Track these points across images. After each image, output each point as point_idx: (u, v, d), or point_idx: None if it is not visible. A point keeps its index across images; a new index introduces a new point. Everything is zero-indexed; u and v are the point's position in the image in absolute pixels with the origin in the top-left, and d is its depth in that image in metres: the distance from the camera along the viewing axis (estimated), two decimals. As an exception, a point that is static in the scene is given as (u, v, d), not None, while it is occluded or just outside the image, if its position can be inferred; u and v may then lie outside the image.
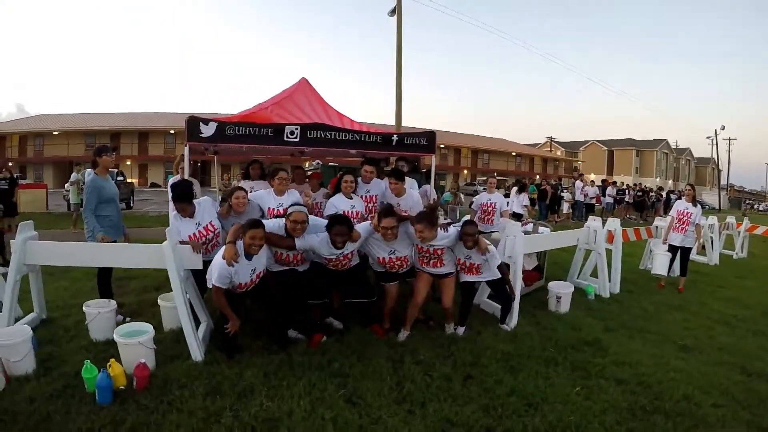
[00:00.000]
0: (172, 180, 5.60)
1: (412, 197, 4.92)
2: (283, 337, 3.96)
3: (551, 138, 67.01)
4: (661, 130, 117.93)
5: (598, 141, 67.44)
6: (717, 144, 47.38)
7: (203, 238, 4.03)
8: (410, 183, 5.30)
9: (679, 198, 9.46)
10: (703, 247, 9.88)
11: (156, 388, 3.18)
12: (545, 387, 3.48)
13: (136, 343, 3.36)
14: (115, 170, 18.04)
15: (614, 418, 3.12)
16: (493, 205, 6.58)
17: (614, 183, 22.77)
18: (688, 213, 6.95)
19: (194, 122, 4.39)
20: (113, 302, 4.23)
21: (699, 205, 7.16)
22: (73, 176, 12.12)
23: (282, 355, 3.74)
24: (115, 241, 4.43)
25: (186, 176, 5.08)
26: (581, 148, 68.50)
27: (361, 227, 4.06)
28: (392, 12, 16.23)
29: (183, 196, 4.03)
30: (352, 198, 4.75)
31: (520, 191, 12.74)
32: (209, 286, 3.64)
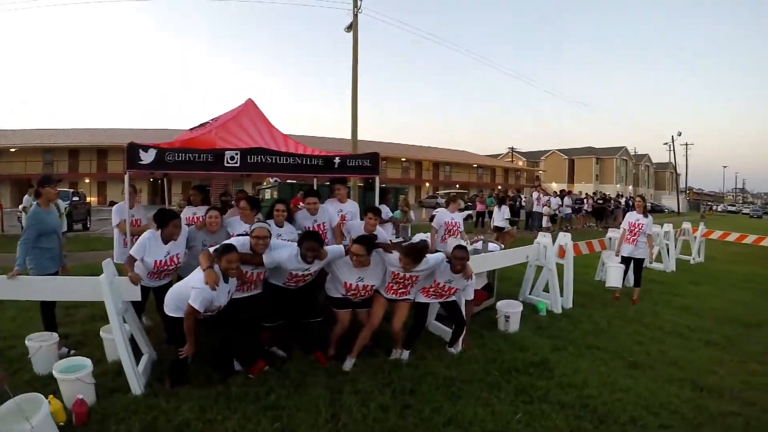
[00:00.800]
0: (116, 207, 5.63)
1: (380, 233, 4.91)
2: (228, 367, 3.94)
3: (512, 148, 68.18)
4: (621, 138, 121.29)
5: (558, 150, 69.08)
6: (674, 149, 49.20)
7: (164, 267, 4.14)
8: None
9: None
10: (658, 254, 9.99)
11: (95, 423, 3.19)
12: (485, 414, 3.33)
13: (74, 379, 3.37)
14: (72, 190, 17.36)
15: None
16: (457, 224, 6.39)
17: (570, 192, 23.07)
18: (639, 224, 6.96)
19: (134, 149, 4.35)
20: (55, 335, 4.20)
21: (650, 216, 7.18)
22: (26, 199, 11.90)
23: (220, 387, 3.68)
24: (55, 273, 4.36)
25: (126, 203, 4.98)
26: (542, 158, 70.10)
27: (332, 249, 4.08)
28: (348, 28, 16.30)
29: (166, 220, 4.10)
30: (283, 226, 4.71)
31: (500, 204, 12.63)
32: (169, 312, 3.66)
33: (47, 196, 4.38)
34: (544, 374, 4.10)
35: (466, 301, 4.52)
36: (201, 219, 4.87)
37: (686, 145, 53.24)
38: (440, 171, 50.92)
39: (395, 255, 4.04)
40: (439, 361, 4.30)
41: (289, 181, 12.35)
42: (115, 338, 3.67)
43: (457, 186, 45.55)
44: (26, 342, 4.01)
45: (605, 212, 22.31)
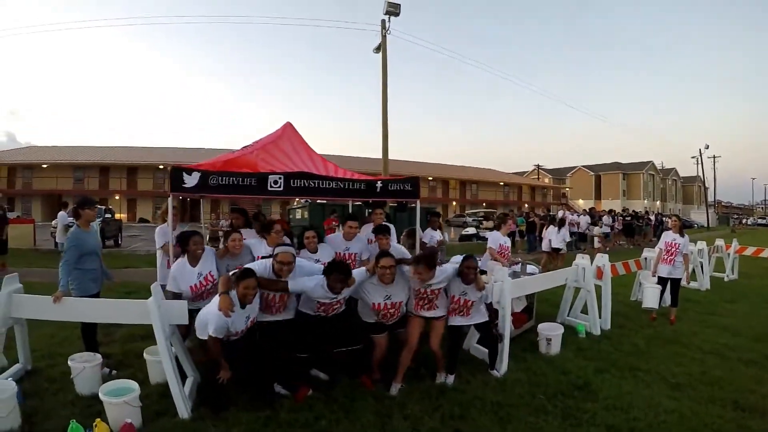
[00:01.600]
0: (159, 229, 5.68)
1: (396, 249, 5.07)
2: (270, 393, 3.97)
3: (538, 165, 67.99)
4: (647, 152, 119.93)
5: (584, 166, 68.66)
6: (702, 163, 48.49)
7: (203, 288, 4.21)
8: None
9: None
10: (692, 272, 10.00)
11: None
12: None
13: (121, 403, 3.40)
14: (103, 207, 17.95)
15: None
16: (508, 247, 6.73)
17: (610, 211, 22.86)
18: (675, 244, 7.09)
19: (178, 172, 4.44)
20: (98, 356, 4.25)
21: (686, 235, 7.30)
22: (61, 216, 12.25)
23: (268, 411, 3.74)
24: (97, 294, 4.53)
25: (170, 225, 5.10)
26: (568, 174, 69.63)
27: (356, 273, 4.13)
28: (377, 49, 16.58)
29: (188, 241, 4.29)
30: (316, 251, 4.84)
31: (560, 226, 12.49)
32: (199, 335, 3.73)
33: (87, 217, 4.51)
34: (588, 397, 4.28)
35: (486, 304, 4.75)
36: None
37: (714, 157, 52.46)
38: (467, 189, 51.12)
39: (408, 269, 4.20)
40: (485, 386, 4.46)
41: (319, 201, 12.61)
42: (164, 362, 3.74)
43: (484, 205, 45.59)
44: (69, 362, 4.06)
45: (633, 229, 22.16)
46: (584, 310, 6.68)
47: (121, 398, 3.42)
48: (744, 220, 62.98)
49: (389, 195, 5.66)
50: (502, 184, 54.69)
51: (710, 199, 53.16)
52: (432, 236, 7.23)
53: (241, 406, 3.83)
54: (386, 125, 16.29)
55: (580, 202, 57.15)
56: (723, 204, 73.97)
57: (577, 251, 14.09)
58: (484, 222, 28.46)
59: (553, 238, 12.26)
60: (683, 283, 7.50)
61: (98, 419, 3.23)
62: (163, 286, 4.29)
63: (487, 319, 4.61)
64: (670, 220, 7.78)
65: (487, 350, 4.99)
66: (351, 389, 4.24)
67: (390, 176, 12.58)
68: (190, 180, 4.43)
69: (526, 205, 47.83)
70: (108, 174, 37.49)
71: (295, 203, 18.28)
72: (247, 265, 3.95)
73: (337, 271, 3.89)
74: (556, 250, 12.17)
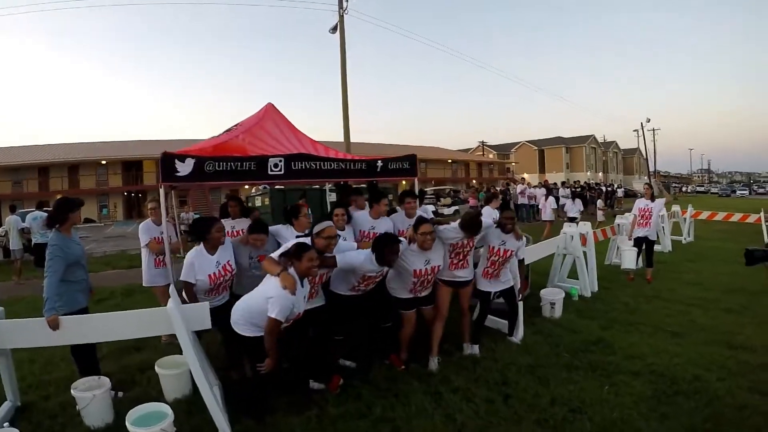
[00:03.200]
0: (142, 225, 5.23)
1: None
2: (307, 389, 3.92)
3: (483, 142, 69.66)
4: (589, 127, 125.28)
5: (528, 141, 70.91)
6: (644, 135, 51.33)
7: (221, 278, 3.94)
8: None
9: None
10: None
11: None
12: (578, 391, 3.87)
13: (159, 429, 3.00)
14: (46, 210, 16.82)
15: (646, 407, 3.60)
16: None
17: (564, 183, 23.99)
18: (648, 209, 7.80)
19: (169, 159, 4.00)
20: (105, 379, 3.73)
21: (657, 200, 7.98)
22: (12, 221, 10.90)
23: (315, 409, 3.62)
24: (86, 308, 3.99)
25: (163, 220, 4.51)
26: (513, 150, 71.76)
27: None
28: (333, 29, 16.49)
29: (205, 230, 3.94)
30: (344, 230, 4.71)
31: (574, 197, 14.30)
32: (240, 330, 3.43)
33: (72, 221, 3.94)
34: (606, 351, 4.75)
35: (519, 261, 5.09)
36: (240, 233, 4.79)
37: (653, 130, 55.81)
38: (416, 168, 51.46)
39: (454, 224, 4.36)
40: (511, 351, 4.79)
41: (278, 187, 12.32)
42: (195, 375, 3.38)
43: (433, 183, 46.37)
44: (73, 392, 3.52)
45: (586, 200, 23.34)
46: (570, 275, 7.23)
47: (156, 426, 3.00)
48: (683, 188, 67.37)
49: (389, 174, 5.61)
50: (450, 161, 55.72)
51: (651, 169, 56.45)
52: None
53: (282, 409, 3.63)
54: (347, 103, 16.21)
55: (525, 176, 59.02)
56: (661, 174, 78.61)
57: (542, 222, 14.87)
58: (441, 200, 28.95)
59: (569, 208, 13.90)
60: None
61: None
62: (177, 284, 3.95)
63: (512, 284, 4.92)
64: (643, 188, 8.45)
65: (502, 321, 5.33)
66: (386, 372, 4.29)
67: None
68: (184, 168, 4.02)
69: (474, 181, 49.05)
70: (48, 174, 35.17)
71: (254, 191, 17.85)
72: (297, 241, 3.63)
73: (391, 242, 3.85)
74: (572, 219, 13.27)
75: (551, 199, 14.43)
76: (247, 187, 13.44)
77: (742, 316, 5.88)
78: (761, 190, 67.73)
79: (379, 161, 5.47)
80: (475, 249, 4.73)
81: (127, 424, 3.06)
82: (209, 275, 3.87)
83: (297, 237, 4.13)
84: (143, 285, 5.29)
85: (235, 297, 3.89)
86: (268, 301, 3.26)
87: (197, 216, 10.59)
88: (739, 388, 3.90)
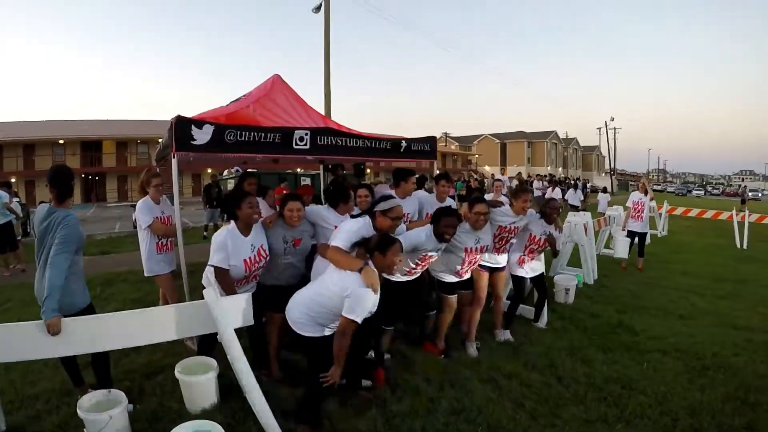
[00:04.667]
0: (141, 203, 4.49)
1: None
2: (358, 386, 3.62)
3: (446, 133, 70.58)
4: (550, 123, 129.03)
5: (490, 134, 72.31)
6: (607, 134, 53.86)
7: (256, 265, 3.51)
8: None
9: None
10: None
11: None
12: (621, 369, 4.29)
13: None
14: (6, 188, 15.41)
15: (685, 380, 4.08)
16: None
17: (539, 176, 25.00)
18: (641, 203, 8.44)
19: (185, 125, 3.65)
20: (118, 393, 3.06)
21: (649, 195, 8.62)
22: None
23: (373, 409, 3.42)
24: (90, 306, 3.27)
25: (176, 198, 4.22)
26: (475, 142, 73.05)
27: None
28: (317, 9, 16.34)
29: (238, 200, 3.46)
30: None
31: (576, 188, 17.61)
32: (303, 333, 3.06)
33: (72, 195, 3.20)
34: (630, 332, 5.24)
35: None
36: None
37: (615, 129, 58.35)
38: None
39: (506, 205, 4.72)
40: (543, 336, 5.11)
41: (250, 170, 12.34)
42: (245, 384, 2.96)
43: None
44: (82, 415, 2.82)
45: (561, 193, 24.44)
46: (570, 263, 7.74)
47: None
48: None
49: (411, 155, 5.56)
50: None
51: (608, 167, 59.04)
52: None
53: (337, 411, 3.38)
54: (329, 85, 16.01)
55: (487, 168, 60.50)
56: (619, 171, 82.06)
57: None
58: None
59: (571, 197, 16.41)
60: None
61: None
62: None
63: (542, 271, 5.31)
64: (639, 183, 9.07)
65: (527, 307, 5.64)
66: (430, 362, 4.28)
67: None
68: (201, 135, 3.72)
69: (437, 171, 49.68)
70: (2, 154, 33.14)
71: (225, 173, 17.54)
72: (380, 234, 3.28)
73: (450, 215, 3.81)
74: (575, 208, 15.30)
75: (557, 190, 16.91)
76: (232, 170, 13.13)
77: (735, 302, 6.56)
78: (715, 191, 73.05)
79: (404, 141, 5.44)
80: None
81: None
82: (244, 260, 3.39)
83: (351, 217, 3.86)
84: (145, 275, 4.55)
85: (261, 287, 3.71)
86: (344, 299, 2.88)
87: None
88: (753, 361, 4.47)
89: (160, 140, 6.09)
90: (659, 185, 77.79)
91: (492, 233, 4.60)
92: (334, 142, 4.59)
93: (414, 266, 4.00)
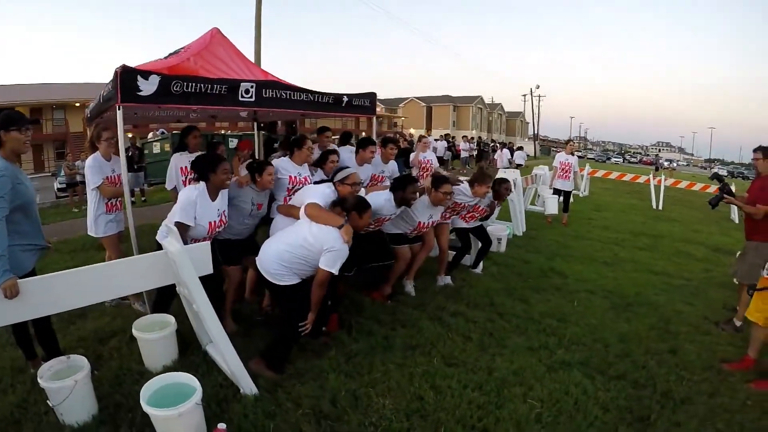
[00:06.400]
0: (90, 160, 4.24)
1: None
2: (318, 331, 3.70)
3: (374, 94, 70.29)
4: (477, 89, 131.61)
5: (416, 97, 72.85)
6: (532, 101, 55.90)
7: (217, 230, 3.56)
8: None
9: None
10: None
11: None
12: (555, 306, 4.63)
13: (193, 407, 2.48)
14: None
15: (612, 315, 4.48)
16: (430, 161, 7.52)
17: (465, 138, 25.57)
18: (568, 163, 8.97)
19: (130, 75, 3.60)
20: (78, 358, 2.90)
21: (576, 156, 9.13)
22: None
23: (333, 350, 3.57)
24: (33, 271, 2.94)
25: (122, 152, 3.92)
26: (401, 105, 73.39)
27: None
28: None
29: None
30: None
31: (519, 149, 19.00)
32: (280, 282, 3.21)
33: (14, 145, 2.81)
34: (560, 276, 5.63)
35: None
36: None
37: (539, 96, 60.54)
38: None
39: (465, 185, 4.91)
40: (479, 280, 5.39)
41: (175, 131, 11.84)
42: (213, 332, 2.93)
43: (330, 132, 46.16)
44: (44, 384, 2.63)
45: (483, 155, 25.22)
46: (499, 218, 8.09)
47: (189, 402, 2.44)
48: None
49: (352, 110, 5.72)
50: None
51: (530, 132, 61.48)
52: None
53: (298, 355, 3.47)
54: (259, 42, 15.55)
55: (412, 131, 61.10)
56: (541, 137, 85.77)
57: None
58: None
59: (517, 157, 18.77)
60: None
61: None
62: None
63: (481, 223, 5.57)
64: (567, 145, 9.54)
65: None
66: (378, 307, 4.45)
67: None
68: (147, 86, 3.68)
69: (363, 133, 49.73)
70: None
71: (150, 135, 16.81)
72: (356, 197, 3.55)
73: (413, 182, 4.16)
74: (520, 166, 16.78)
75: (506, 151, 19.31)
76: (131, 135, 12.41)
77: (653, 253, 7.19)
78: (633, 160, 79.00)
79: (345, 96, 5.54)
80: None
81: (145, 406, 2.43)
82: (210, 222, 3.44)
83: (293, 173, 4.21)
84: (94, 235, 4.33)
85: (216, 242, 3.60)
86: (325, 253, 3.12)
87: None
88: (672, 300, 4.99)
89: (78, 104, 5.89)
90: (580, 152, 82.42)
91: (445, 207, 4.83)
92: (278, 95, 4.66)
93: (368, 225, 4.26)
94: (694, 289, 5.39)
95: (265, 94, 4.51)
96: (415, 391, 3.08)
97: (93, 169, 4.19)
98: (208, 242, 3.25)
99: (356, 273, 4.59)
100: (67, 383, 2.62)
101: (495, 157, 20.26)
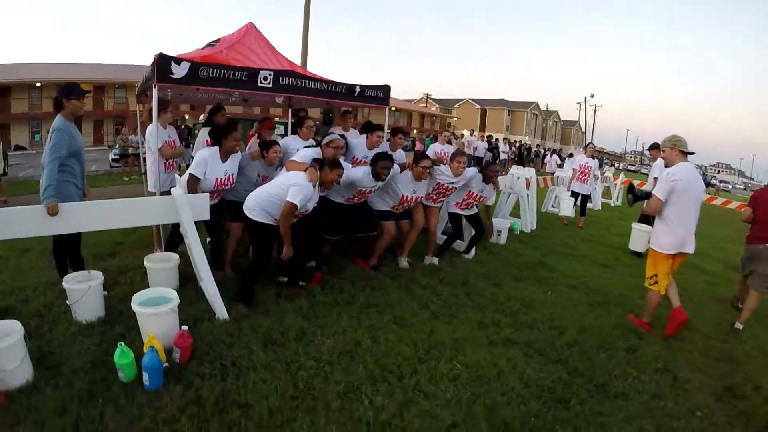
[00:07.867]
0: (150, 128, 4.89)
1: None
2: (296, 281, 4.29)
3: (427, 95, 70.18)
4: (533, 94, 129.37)
5: (472, 99, 72.14)
6: (586, 109, 54.18)
7: (224, 186, 4.24)
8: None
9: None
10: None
11: (202, 355, 3.04)
12: (528, 293, 4.65)
13: (168, 311, 3.08)
14: None
15: (582, 310, 4.41)
16: (446, 154, 7.58)
17: (506, 140, 25.42)
18: (588, 166, 8.77)
19: (165, 61, 4.25)
20: (97, 273, 3.69)
21: (596, 160, 8.92)
22: None
23: (303, 298, 4.04)
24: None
25: (155, 123, 4.72)
26: (456, 106, 72.86)
27: (395, 167, 4.74)
28: None
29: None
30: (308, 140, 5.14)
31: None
32: (254, 217, 3.77)
33: (72, 109, 3.76)
34: (548, 270, 5.58)
35: (486, 206, 6.00)
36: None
37: (595, 106, 58.82)
38: (359, 112, 51.56)
39: (445, 166, 5.08)
40: (467, 264, 5.50)
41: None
42: (198, 262, 3.61)
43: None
44: (65, 285, 3.40)
45: (524, 158, 24.93)
46: (512, 213, 8.03)
47: (165, 306, 3.07)
48: (616, 165, 72.84)
49: (365, 100, 6.11)
50: (393, 109, 55.89)
51: (588, 141, 59.89)
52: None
53: (268, 300, 3.98)
54: (307, 35, 15.86)
55: (466, 132, 60.67)
56: (597, 149, 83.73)
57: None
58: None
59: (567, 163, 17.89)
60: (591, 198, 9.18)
61: (150, 335, 2.84)
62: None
63: (476, 210, 5.68)
64: (587, 147, 9.31)
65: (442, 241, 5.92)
66: (360, 273, 4.82)
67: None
68: (179, 70, 4.33)
69: (415, 131, 49.82)
70: None
71: (201, 118, 17.61)
72: (311, 156, 4.21)
73: (386, 159, 4.52)
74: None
75: (555, 156, 20.41)
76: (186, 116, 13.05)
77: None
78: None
79: (358, 87, 5.92)
80: None
81: (134, 306, 3.06)
82: (216, 178, 4.15)
83: (305, 147, 4.70)
84: (152, 190, 4.97)
85: (223, 201, 4.42)
86: (289, 188, 3.68)
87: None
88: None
89: (138, 83, 6.88)
90: (634, 166, 79.43)
91: (430, 187, 5.19)
92: (294, 83, 5.15)
93: (351, 197, 4.76)
94: (683, 299, 5.18)
95: (282, 81, 5.01)
96: (356, 338, 3.42)
97: (153, 135, 4.88)
98: (207, 194, 3.96)
99: (346, 242, 5.06)
100: (83, 287, 3.41)
101: (545, 161, 22.21)
